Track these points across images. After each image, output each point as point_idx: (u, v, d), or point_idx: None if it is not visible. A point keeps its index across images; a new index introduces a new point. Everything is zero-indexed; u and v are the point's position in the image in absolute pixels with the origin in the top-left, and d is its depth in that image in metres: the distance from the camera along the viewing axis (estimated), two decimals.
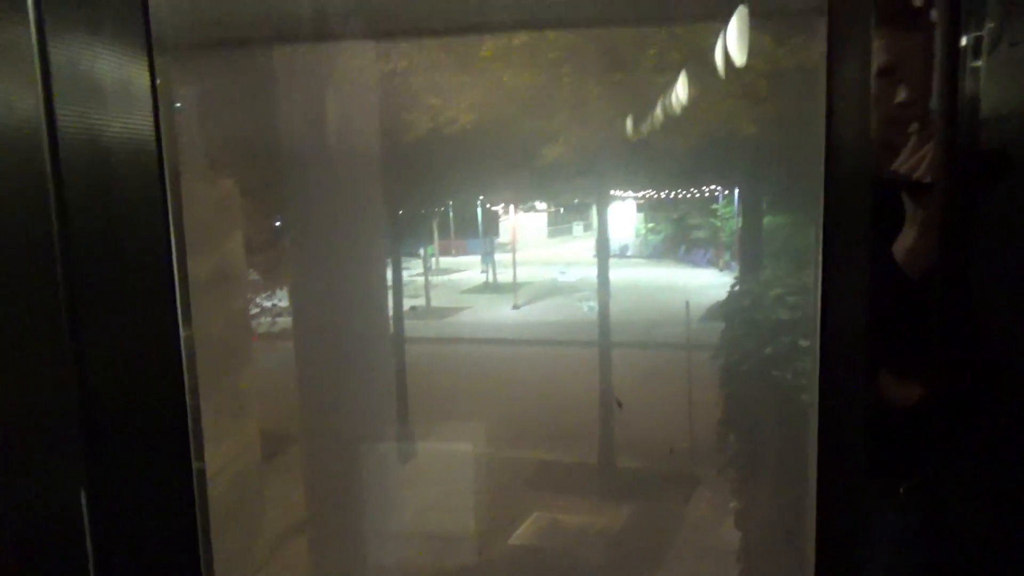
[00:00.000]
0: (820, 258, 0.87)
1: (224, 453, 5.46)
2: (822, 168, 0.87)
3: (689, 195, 17.47)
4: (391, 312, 9.65)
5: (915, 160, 1.03)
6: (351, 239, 4.12)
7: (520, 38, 6.54)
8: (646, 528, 6.28)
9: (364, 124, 4.28)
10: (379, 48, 5.80)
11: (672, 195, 18.98)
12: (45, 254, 0.70)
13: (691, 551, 5.85)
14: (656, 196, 19.72)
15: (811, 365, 0.90)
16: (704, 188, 19.28)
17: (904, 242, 1.08)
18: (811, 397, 0.93)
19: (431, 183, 10.15)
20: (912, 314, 0.86)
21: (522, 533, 6.10)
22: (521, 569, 5.71)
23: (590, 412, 7.76)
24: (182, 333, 0.87)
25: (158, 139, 0.83)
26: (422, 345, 12.75)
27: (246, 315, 6.17)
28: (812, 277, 0.89)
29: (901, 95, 1.12)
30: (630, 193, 21.31)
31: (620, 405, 7.63)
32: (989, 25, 0.95)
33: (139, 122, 0.82)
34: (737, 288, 4.13)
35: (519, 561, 5.78)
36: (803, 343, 3.41)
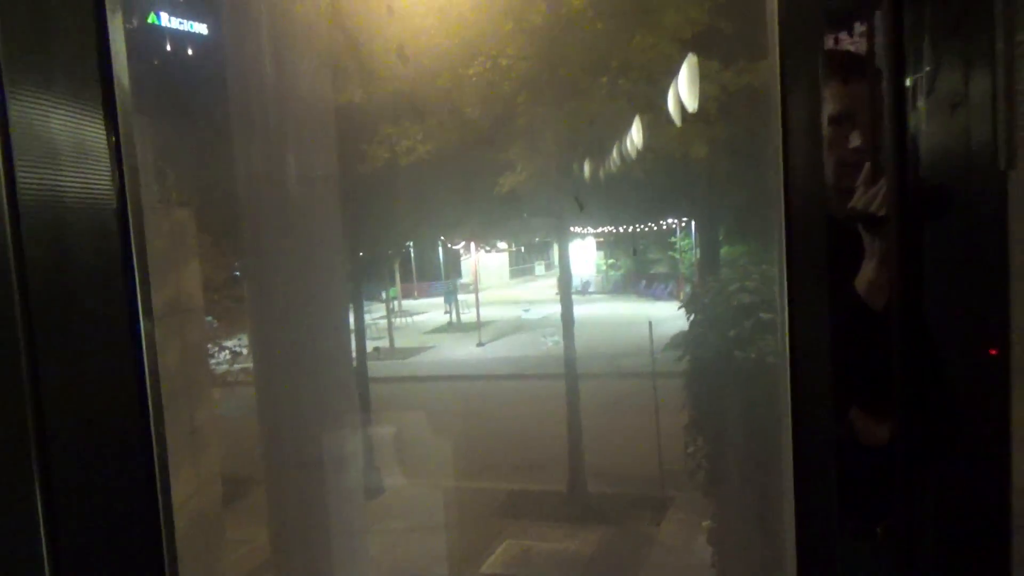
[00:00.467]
0: (785, 300, 0.90)
1: (181, 491, 5.28)
2: (775, 196, 0.92)
3: (647, 228, 17.69)
4: (355, 354, 9.55)
5: (870, 195, 1.10)
6: (311, 282, 4.06)
7: (475, 68, 6.66)
8: (618, 550, 6.21)
9: (322, 158, 4.26)
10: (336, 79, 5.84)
11: (630, 228, 19.28)
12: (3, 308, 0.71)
13: (664, 570, 5.80)
14: (615, 231, 20.00)
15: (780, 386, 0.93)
16: (661, 222, 19.62)
17: (865, 275, 1.14)
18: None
19: (390, 213, 10.15)
20: (878, 348, 0.89)
21: (494, 562, 5.99)
22: None
23: (558, 442, 7.71)
24: (149, 395, 0.88)
25: (121, 196, 0.85)
26: (387, 384, 12.60)
27: (203, 348, 6.04)
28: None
29: (854, 141, 1.20)
30: (589, 230, 21.58)
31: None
32: (926, 69, 1.05)
33: (97, 178, 0.84)
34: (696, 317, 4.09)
35: None
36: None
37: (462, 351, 15.46)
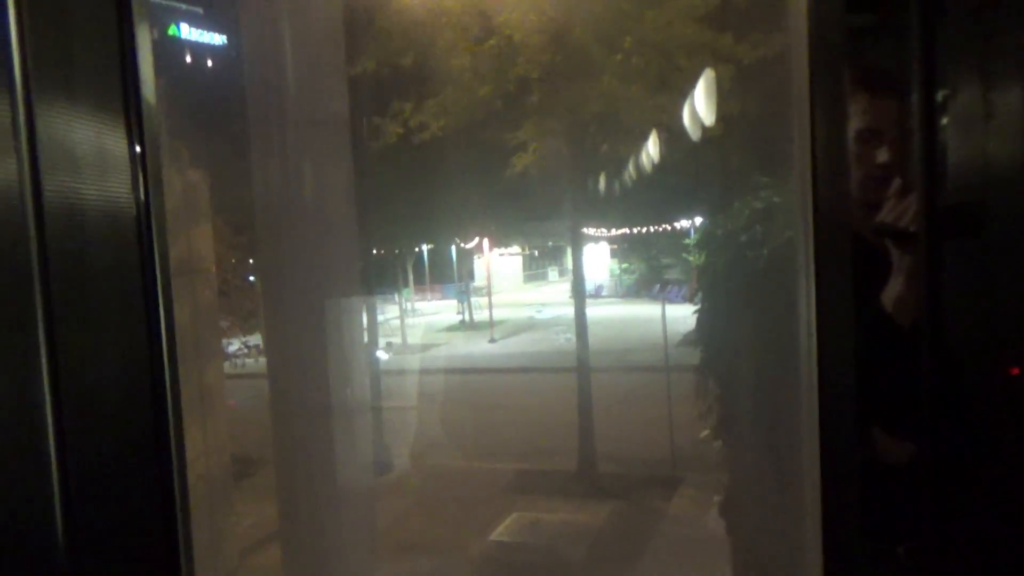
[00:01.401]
0: (812, 315, 0.91)
1: (188, 452, 5.29)
2: (803, 211, 0.94)
3: (660, 230, 17.61)
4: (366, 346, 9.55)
5: (899, 209, 1.10)
6: (324, 282, 4.05)
7: (489, 44, 6.68)
8: (629, 522, 6.16)
9: (339, 167, 4.24)
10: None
11: (644, 230, 19.24)
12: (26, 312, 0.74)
13: (674, 541, 5.74)
14: (629, 232, 19.96)
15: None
16: (675, 223, 19.57)
17: (893, 291, 1.14)
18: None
19: (404, 195, 10.17)
20: (905, 365, 0.90)
21: (502, 531, 5.94)
22: (499, 562, 5.56)
23: (569, 429, 7.66)
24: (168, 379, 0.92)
25: (147, 206, 0.88)
26: (399, 377, 12.60)
27: (213, 308, 6.06)
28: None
29: (882, 155, 1.21)
30: (603, 232, 21.56)
31: None
32: (956, 83, 1.07)
33: (119, 188, 0.87)
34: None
35: (498, 556, 5.63)
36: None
37: (474, 347, 15.45)
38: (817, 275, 0.90)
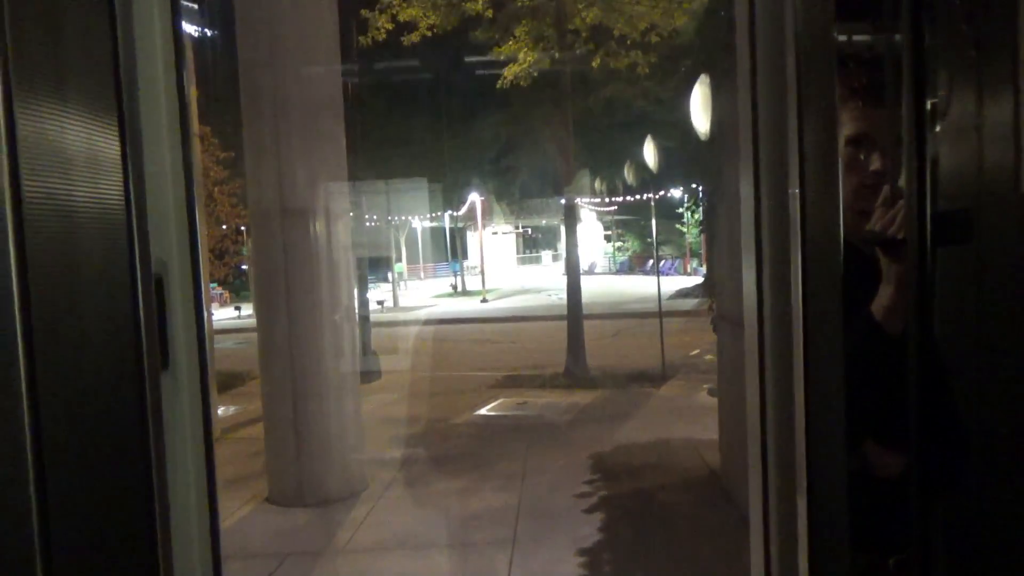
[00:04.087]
0: (800, 324, 0.91)
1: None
2: (792, 218, 0.94)
3: (652, 200, 17.51)
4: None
5: (888, 218, 1.11)
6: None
7: None
8: (616, 401, 6.12)
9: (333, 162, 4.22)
10: None
11: (637, 198, 19.23)
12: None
13: (663, 409, 5.70)
14: (623, 200, 19.94)
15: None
16: (667, 192, 19.57)
17: (882, 300, 1.14)
18: None
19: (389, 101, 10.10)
20: (894, 374, 0.89)
21: (488, 409, 5.91)
22: (482, 427, 5.51)
23: (558, 355, 7.63)
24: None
25: (130, 204, 0.89)
26: (390, 328, 12.55)
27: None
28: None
29: (873, 164, 1.22)
30: (595, 204, 21.54)
31: None
32: (944, 92, 1.07)
33: (109, 187, 0.87)
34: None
35: (482, 424, 5.59)
36: None
37: (466, 307, 15.42)
38: (804, 283, 0.90)
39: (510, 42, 7.62)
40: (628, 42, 7.73)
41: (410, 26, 7.11)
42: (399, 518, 3.76)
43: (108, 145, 0.82)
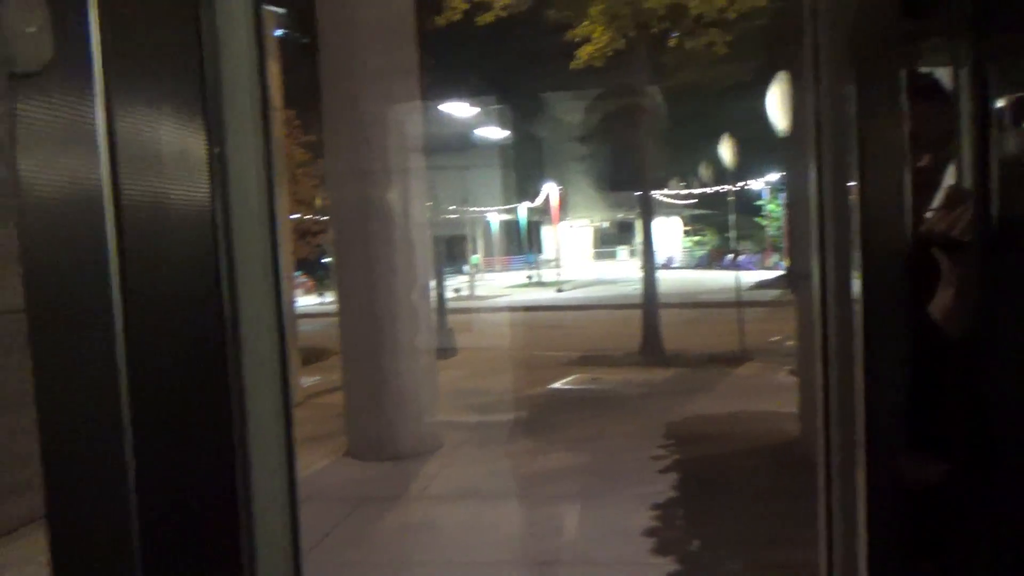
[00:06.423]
0: (862, 326, 0.90)
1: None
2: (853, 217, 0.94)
3: (730, 193, 17.12)
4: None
5: (952, 219, 1.08)
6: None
7: None
8: (692, 379, 6.03)
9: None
10: None
11: (716, 191, 18.88)
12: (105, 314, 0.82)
13: (739, 387, 5.60)
14: (702, 193, 19.61)
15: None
16: (747, 183, 19.14)
17: (941, 301, 1.11)
18: None
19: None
20: (953, 378, 0.87)
21: (562, 383, 5.93)
22: (554, 399, 5.53)
23: (632, 339, 7.55)
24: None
25: (217, 203, 0.96)
26: (465, 314, 12.70)
27: (289, 283, 6.33)
28: None
29: (931, 163, 1.19)
30: (672, 196, 21.24)
31: None
32: (1010, 93, 1.04)
33: (197, 186, 0.95)
34: None
35: (555, 396, 5.61)
36: None
37: (541, 296, 15.46)
38: (865, 284, 0.89)
39: (584, 22, 7.60)
40: (705, 21, 7.61)
41: (484, 6, 7.18)
42: (471, 472, 3.82)
43: (196, 145, 0.87)
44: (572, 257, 25.32)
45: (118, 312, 0.75)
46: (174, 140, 0.85)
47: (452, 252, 20.96)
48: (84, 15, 0.75)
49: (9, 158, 0.79)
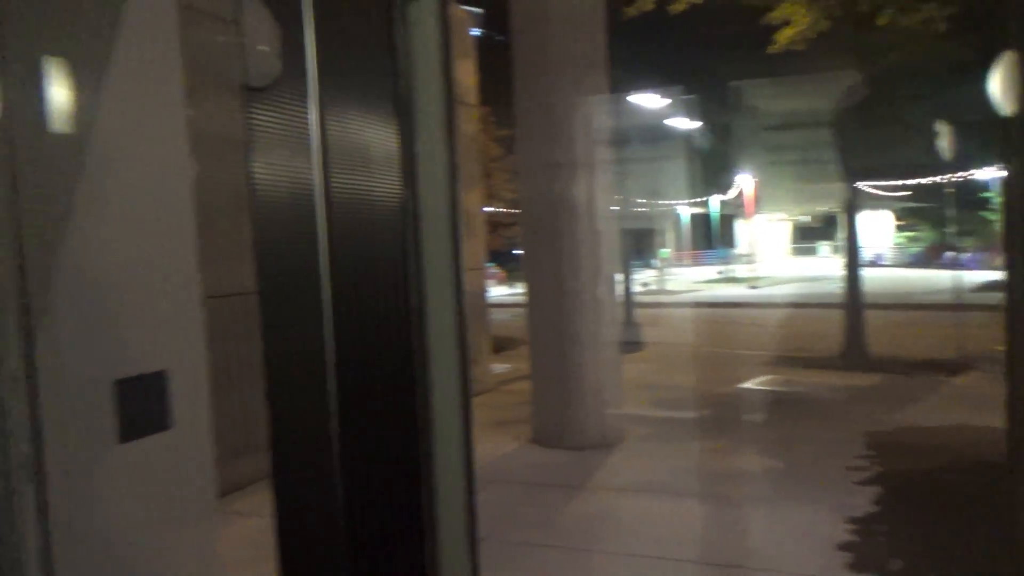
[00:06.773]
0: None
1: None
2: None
3: (953, 184, 15.51)
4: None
5: None
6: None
7: None
8: (901, 386, 5.55)
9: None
10: None
11: (933, 181, 17.18)
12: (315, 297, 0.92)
13: (956, 398, 5.08)
14: (917, 184, 17.90)
15: None
16: (971, 173, 17.19)
17: None
18: None
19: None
20: None
21: (752, 383, 5.69)
22: (742, 399, 5.32)
23: (833, 340, 7.06)
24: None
25: (413, 199, 1.04)
26: (653, 309, 12.53)
27: (482, 273, 6.59)
28: None
29: None
30: (881, 187, 19.55)
31: None
32: None
33: (394, 185, 1.03)
34: None
35: (742, 396, 5.40)
36: None
37: (733, 292, 14.90)
38: (1009, 267, 0.89)
39: (785, 4, 7.19)
40: None
41: None
42: (652, 466, 3.77)
43: (391, 146, 0.94)
44: (767, 252, 24.14)
45: (327, 296, 0.83)
46: (373, 142, 0.92)
47: (641, 246, 20.75)
48: (302, 35, 0.86)
49: (243, 161, 0.91)
